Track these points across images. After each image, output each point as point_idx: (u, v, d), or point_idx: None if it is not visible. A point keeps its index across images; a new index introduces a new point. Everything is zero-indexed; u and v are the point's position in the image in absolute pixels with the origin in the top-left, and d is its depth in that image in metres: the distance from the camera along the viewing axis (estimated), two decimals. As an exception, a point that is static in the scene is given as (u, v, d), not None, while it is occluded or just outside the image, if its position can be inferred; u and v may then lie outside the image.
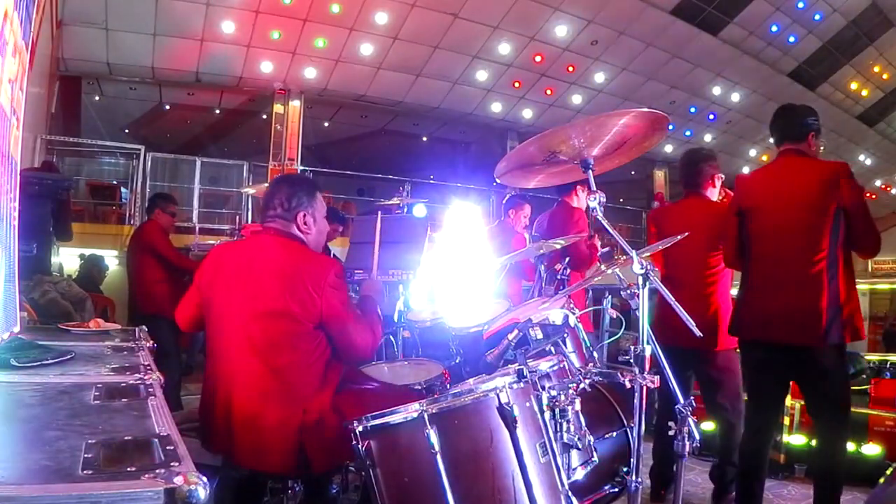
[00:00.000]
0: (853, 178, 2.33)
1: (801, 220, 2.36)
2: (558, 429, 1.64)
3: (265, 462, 1.82)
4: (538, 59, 10.28)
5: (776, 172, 2.53)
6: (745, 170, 13.86)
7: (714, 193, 3.01)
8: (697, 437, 1.70)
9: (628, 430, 2.13)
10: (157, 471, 0.70)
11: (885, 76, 12.28)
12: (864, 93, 12.67)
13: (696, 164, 3.00)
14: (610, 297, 3.05)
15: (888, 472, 2.77)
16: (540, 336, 2.07)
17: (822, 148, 2.54)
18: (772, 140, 2.61)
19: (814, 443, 3.04)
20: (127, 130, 12.51)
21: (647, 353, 1.69)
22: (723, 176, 3.04)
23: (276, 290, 1.84)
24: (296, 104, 10.34)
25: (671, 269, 2.95)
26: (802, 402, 3.37)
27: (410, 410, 1.45)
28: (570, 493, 1.54)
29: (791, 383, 2.63)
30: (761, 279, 2.49)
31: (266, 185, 3.76)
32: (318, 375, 1.87)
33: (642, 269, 1.70)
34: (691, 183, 3.00)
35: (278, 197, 2.01)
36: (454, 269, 3.42)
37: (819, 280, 2.29)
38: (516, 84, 10.89)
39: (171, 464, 0.73)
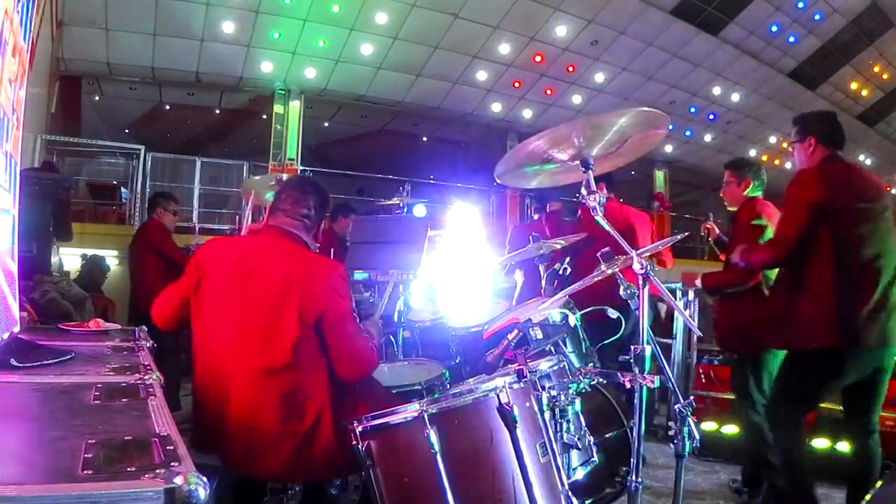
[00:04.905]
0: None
1: None
2: (558, 429, 1.64)
3: (260, 468, 1.77)
4: (538, 59, 10.27)
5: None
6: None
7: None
8: (697, 437, 1.70)
9: (628, 430, 2.13)
10: (157, 471, 0.70)
11: (885, 76, 12.27)
12: (864, 93, 12.67)
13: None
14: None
15: (888, 472, 2.76)
16: (540, 336, 2.07)
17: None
18: (794, 136, 2.51)
19: (814, 443, 3.16)
20: (127, 130, 12.50)
21: (648, 353, 1.69)
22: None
23: (275, 293, 1.78)
24: (296, 104, 10.33)
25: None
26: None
27: (410, 410, 1.45)
28: (570, 493, 1.54)
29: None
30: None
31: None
32: (319, 382, 1.80)
33: (642, 268, 1.70)
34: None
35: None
36: (454, 268, 3.41)
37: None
38: (516, 84, 10.88)
39: (171, 464, 0.73)
